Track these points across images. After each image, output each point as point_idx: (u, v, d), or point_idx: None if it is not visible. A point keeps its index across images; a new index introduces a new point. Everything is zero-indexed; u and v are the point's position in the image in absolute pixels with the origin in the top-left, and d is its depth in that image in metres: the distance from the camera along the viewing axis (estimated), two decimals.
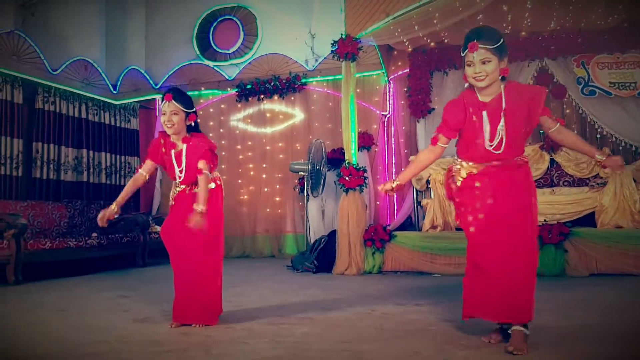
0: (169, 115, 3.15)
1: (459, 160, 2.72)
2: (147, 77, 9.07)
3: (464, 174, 2.67)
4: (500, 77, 2.56)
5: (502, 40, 2.52)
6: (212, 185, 3.22)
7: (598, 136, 6.82)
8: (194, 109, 3.25)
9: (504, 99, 2.55)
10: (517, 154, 2.61)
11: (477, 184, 2.63)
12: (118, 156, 8.73)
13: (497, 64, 2.51)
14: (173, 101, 3.14)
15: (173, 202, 3.27)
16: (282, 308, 3.79)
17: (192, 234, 3.06)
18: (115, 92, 8.70)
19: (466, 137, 2.67)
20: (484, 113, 2.58)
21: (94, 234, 6.69)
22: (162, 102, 3.24)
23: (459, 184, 2.69)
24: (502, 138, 2.54)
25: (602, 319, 3.22)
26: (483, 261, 2.65)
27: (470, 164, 2.67)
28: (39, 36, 7.67)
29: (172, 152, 3.23)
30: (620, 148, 6.64)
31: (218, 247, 3.27)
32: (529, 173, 2.65)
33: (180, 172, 3.20)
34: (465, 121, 2.63)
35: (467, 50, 2.53)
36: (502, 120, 2.54)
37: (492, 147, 2.56)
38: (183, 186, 3.24)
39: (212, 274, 3.23)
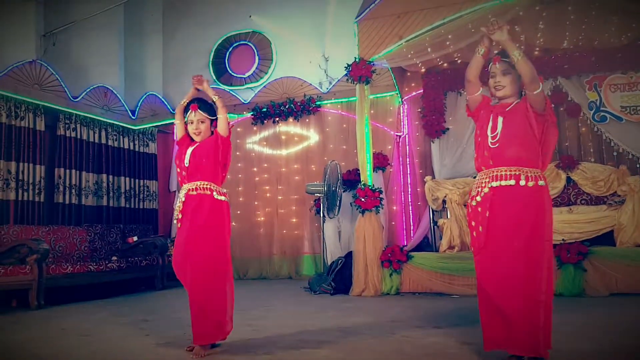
0: (196, 124, 3.34)
1: (475, 178, 2.82)
2: (165, 102, 9.25)
3: (473, 192, 2.77)
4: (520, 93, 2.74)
5: None
6: (222, 198, 3.27)
7: (615, 153, 6.77)
8: (217, 117, 3.39)
9: (511, 105, 2.73)
10: (523, 162, 2.62)
11: (478, 199, 2.70)
12: (137, 180, 8.87)
13: (516, 79, 2.71)
14: (199, 110, 3.34)
15: (180, 216, 3.24)
16: (302, 332, 3.80)
17: (201, 255, 3.12)
18: (134, 117, 8.88)
19: (476, 141, 2.80)
20: (492, 115, 2.76)
21: (114, 258, 6.78)
22: (187, 112, 3.38)
23: (471, 202, 2.77)
24: (499, 133, 2.68)
25: (624, 340, 3.19)
26: (482, 284, 2.65)
27: (479, 176, 2.75)
28: (60, 65, 7.89)
29: (189, 148, 3.35)
30: (638, 165, 6.59)
31: (226, 261, 3.26)
32: (542, 191, 2.61)
33: (186, 163, 3.27)
34: (479, 110, 2.84)
35: (491, 63, 2.77)
36: (501, 118, 2.70)
37: (492, 141, 2.68)
38: (188, 186, 3.26)
39: (224, 287, 3.22)
